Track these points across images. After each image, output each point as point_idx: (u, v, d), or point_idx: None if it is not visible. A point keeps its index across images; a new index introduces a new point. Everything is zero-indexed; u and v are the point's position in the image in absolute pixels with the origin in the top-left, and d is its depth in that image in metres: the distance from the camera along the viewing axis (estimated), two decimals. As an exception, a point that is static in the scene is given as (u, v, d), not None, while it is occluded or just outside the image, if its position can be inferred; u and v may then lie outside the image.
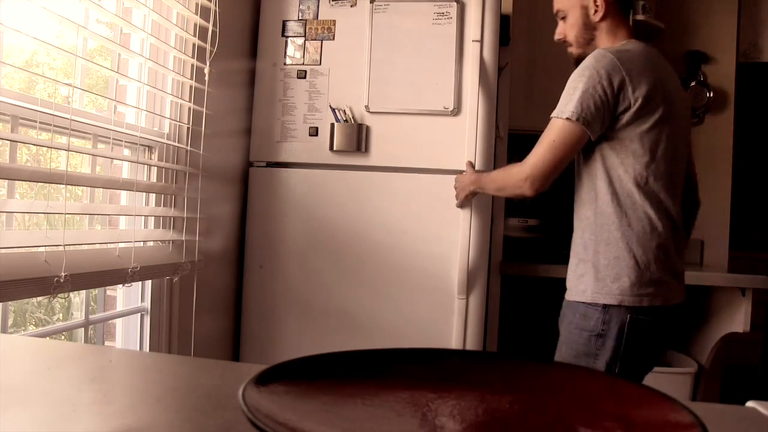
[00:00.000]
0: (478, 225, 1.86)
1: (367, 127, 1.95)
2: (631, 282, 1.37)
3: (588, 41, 1.49)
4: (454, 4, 1.91)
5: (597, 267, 1.41)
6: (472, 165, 1.79)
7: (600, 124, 1.37)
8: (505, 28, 2.02)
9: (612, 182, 1.40)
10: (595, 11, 1.46)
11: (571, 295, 1.47)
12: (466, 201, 1.80)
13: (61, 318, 1.62)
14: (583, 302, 1.42)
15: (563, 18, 1.53)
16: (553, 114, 1.41)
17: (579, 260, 1.46)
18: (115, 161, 1.62)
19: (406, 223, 1.92)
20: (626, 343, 1.36)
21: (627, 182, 1.38)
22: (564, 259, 1.55)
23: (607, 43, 1.46)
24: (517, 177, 1.45)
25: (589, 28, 1.48)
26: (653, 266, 1.38)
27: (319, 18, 2.01)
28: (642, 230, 1.38)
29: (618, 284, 1.38)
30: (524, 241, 2.37)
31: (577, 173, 1.50)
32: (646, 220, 1.38)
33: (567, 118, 1.37)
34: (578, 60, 1.48)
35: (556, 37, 1.57)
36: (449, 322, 1.86)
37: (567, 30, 1.52)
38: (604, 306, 1.38)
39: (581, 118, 1.35)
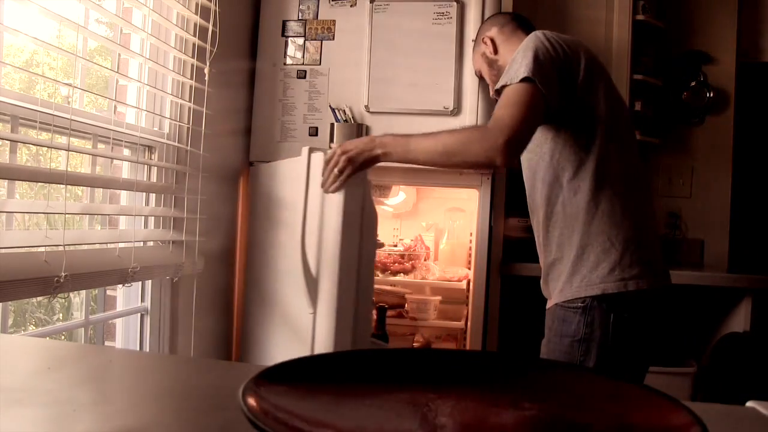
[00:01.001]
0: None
1: (367, 127, 1.95)
2: (611, 267, 1.24)
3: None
4: (454, 4, 1.91)
5: (573, 262, 1.28)
6: None
7: (557, 92, 1.24)
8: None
9: (577, 168, 1.28)
10: (492, 51, 1.50)
11: (549, 302, 1.35)
12: (356, 172, 1.34)
13: (61, 318, 1.62)
14: (561, 303, 1.29)
15: (483, 76, 1.57)
16: (503, 82, 1.26)
17: (554, 260, 1.33)
18: (115, 161, 1.62)
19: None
20: (614, 343, 1.23)
21: (591, 166, 1.27)
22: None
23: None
24: (489, 140, 1.20)
25: (496, 64, 1.50)
26: (632, 247, 1.26)
27: (319, 18, 2.01)
28: (613, 211, 1.26)
29: (596, 273, 1.24)
30: (524, 241, 2.36)
31: (530, 168, 1.37)
32: (617, 200, 1.27)
33: (523, 80, 1.22)
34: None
35: (492, 93, 1.46)
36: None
37: (490, 81, 1.53)
38: (584, 306, 1.24)
39: (537, 79, 1.21)
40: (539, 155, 1.34)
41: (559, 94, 1.25)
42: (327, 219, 1.44)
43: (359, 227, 1.43)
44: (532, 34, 1.32)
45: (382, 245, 2.08)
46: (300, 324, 1.58)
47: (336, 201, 1.40)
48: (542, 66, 1.23)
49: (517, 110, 1.21)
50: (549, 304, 1.35)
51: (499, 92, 1.29)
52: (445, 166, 1.35)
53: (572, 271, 1.28)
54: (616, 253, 1.25)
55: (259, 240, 1.99)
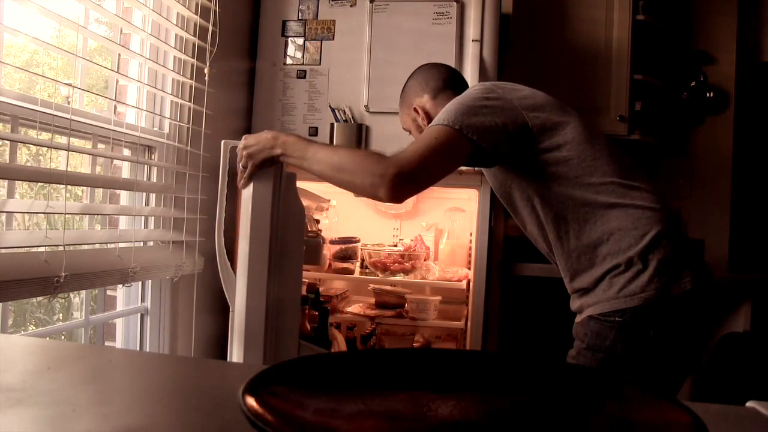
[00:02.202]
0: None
1: (367, 127, 1.95)
2: (651, 274, 1.17)
3: None
4: (454, 4, 1.91)
5: (604, 273, 1.21)
6: None
7: (493, 139, 1.18)
8: (505, 28, 2.03)
9: (583, 168, 1.22)
10: (424, 121, 1.43)
11: (581, 315, 1.27)
12: (256, 170, 1.29)
13: (61, 318, 1.62)
14: (595, 316, 1.21)
15: (410, 131, 1.52)
16: (433, 123, 1.21)
17: (575, 273, 1.27)
18: (115, 161, 1.62)
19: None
20: (651, 359, 1.16)
21: (602, 161, 1.24)
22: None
23: None
24: (380, 168, 1.12)
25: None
26: (663, 249, 1.19)
27: (319, 18, 2.01)
28: (639, 217, 1.20)
29: (635, 282, 1.17)
30: (524, 240, 2.36)
31: (534, 216, 1.30)
32: (634, 207, 1.22)
33: (445, 124, 1.16)
34: None
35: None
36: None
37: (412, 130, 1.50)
38: (621, 320, 1.17)
39: (461, 125, 1.15)
40: (527, 206, 1.29)
41: (498, 141, 1.19)
42: (242, 216, 1.40)
43: (271, 223, 1.40)
44: (472, 89, 1.28)
45: (319, 240, 2.05)
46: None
47: (244, 196, 1.38)
48: (471, 112, 1.17)
49: (423, 148, 1.14)
50: (580, 317, 1.27)
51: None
52: (335, 183, 1.24)
53: (607, 286, 1.20)
54: (654, 260, 1.18)
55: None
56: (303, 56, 2.02)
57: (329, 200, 2.27)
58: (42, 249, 1.20)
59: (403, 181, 1.12)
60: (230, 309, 1.47)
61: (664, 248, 1.19)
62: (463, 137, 1.15)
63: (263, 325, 1.40)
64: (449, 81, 1.44)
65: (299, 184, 1.42)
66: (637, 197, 1.23)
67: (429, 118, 1.41)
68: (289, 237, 1.46)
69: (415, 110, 1.45)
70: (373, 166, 1.14)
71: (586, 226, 1.23)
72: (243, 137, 1.29)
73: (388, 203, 1.10)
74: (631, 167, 1.32)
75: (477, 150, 1.17)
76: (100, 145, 1.46)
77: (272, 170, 1.31)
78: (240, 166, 1.28)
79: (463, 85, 1.44)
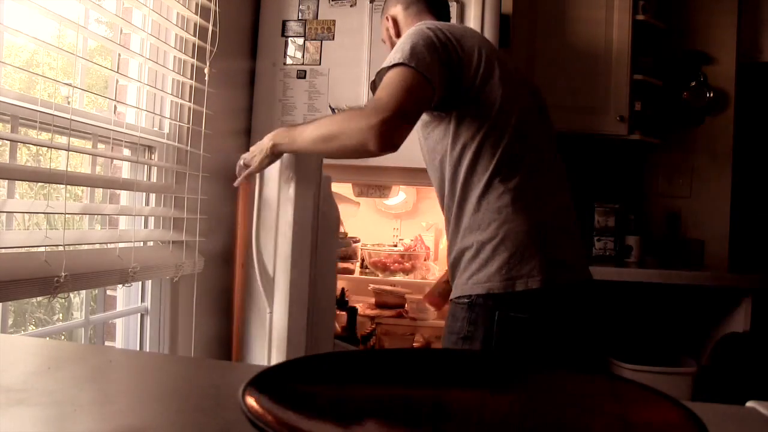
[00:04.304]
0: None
1: (367, 127, 1.95)
2: (500, 265, 1.16)
3: None
4: (454, 4, 1.91)
5: (465, 257, 1.22)
6: None
7: (440, 79, 1.16)
8: (505, 28, 2.03)
9: (467, 161, 1.21)
10: (394, 32, 1.44)
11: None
12: (259, 168, 1.42)
13: (61, 318, 1.62)
14: (453, 299, 1.23)
15: (385, 42, 1.51)
16: (383, 65, 1.20)
17: (452, 256, 1.27)
18: (115, 161, 1.62)
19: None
20: (499, 343, 1.15)
21: (481, 158, 1.20)
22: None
23: None
24: (363, 119, 1.11)
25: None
26: (526, 243, 1.17)
27: (319, 18, 2.01)
28: (505, 206, 1.18)
29: (485, 270, 1.17)
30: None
31: (434, 162, 1.30)
32: (510, 194, 1.19)
33: (396, 63, 1.15)
34: None
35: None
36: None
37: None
38: (470, 303, 1.18)
39: (419, 66, 1.13)
40: (443, 149, 1.27)
41: (444, 81, 1.17)
42: (281, 218, 1.44)
43: (312, 226, 1.42)
44: (417, 26, 1.25)
45: (350, 242, 2.07)
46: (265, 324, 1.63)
47: (288, 200, 1.40)
48: (423, 53, 1.15)
49: (396, 90, 1.12)
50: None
51: (375, 84, 1.22)
52: (330, 155, 1.26)
53: (464, 268, 1.21)
54: (506, 251, 1.16)
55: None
56: (303, 56, 2.02)
57: (358, 203, 2.27)
58: (42, 249, 1.20)
59: (390, 126, 1.10)
60: (268, 311, 1.48)
61: (517, 243, 1.17)
62: (420, 74, 1.13)
63: (305, 327, 1.42)
64: None
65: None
66: (513, 188, 1.20)
67: (397, 28, 1.42)
68: (326, 239, 1.47)
69: (387, 19, 1.45)
70: (356, 123, 1.12)
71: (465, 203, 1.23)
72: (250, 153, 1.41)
73: (385, 153, 1.11)
74: (537, 157, 1.26)
75: (432, 88, 1.15)
76: (100, 145, 1.46)
77: (315, 175, 1.34)
78: (238, 167, 1.39)
79: (440, 6, 1.43)
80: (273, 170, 1.50)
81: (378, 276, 2.21)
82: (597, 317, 1.27)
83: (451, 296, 1.25)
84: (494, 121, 1.21)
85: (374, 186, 2.18)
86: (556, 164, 1.30)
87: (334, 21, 2.00)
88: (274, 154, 1.33)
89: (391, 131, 1.10)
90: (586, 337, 1.25)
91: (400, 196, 2.44)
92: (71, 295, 1.53)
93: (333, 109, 1.96)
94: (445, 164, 1.26)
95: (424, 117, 1.29)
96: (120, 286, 1.46)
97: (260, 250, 1.49)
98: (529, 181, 1.21)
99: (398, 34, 1.41)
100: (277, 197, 1.50)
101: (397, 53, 1.17)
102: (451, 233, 1.27)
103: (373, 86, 1.24)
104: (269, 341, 1.48)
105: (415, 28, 1.24)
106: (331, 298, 1.53)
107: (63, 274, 1.18)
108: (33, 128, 1.21)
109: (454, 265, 1.26)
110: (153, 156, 1.67)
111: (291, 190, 1.36)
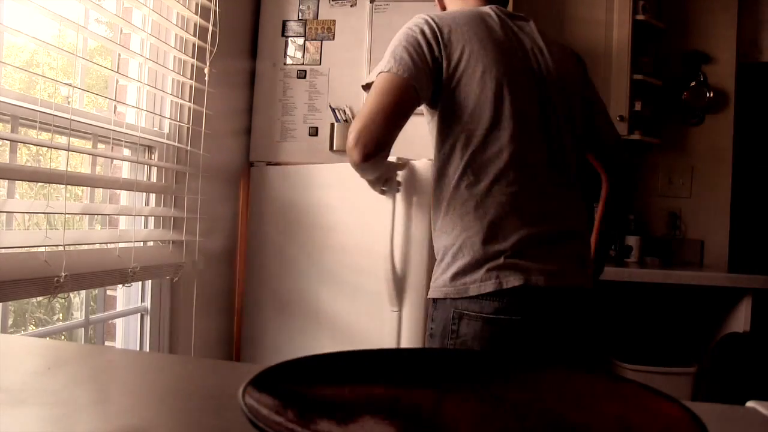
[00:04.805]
0: (405, 215, 1.85)
1: (367, 127, 1.95)
2: (455, 272, 1.16)
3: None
4: (454, 4, 1.91)
5: (437, 260, 1.22)
6: None
7: (416, 68, 1.16)
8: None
9: (440, 162, 1.21)
10: (439, 6, 1.42)
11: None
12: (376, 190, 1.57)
13: (61, 318, 1.62)
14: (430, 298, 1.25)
15: None
16: (374, 72, 1.22)
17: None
18: (115, 161, 1.62)
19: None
20: (460, 343, 1.14)
21: (452, 160, 1.19)
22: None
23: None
24: (347, 142, 1.16)
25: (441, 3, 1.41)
26: (493, 246, 1.14)
27: (319, 18, 2.01)
28: (472, 208, 1.16)
29: (446, 274, 1.17)
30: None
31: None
32: (473, 201, 1.17)
33: (381, 72, 1.17)
34: None
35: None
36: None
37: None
38: (434, 302, 1.20)
39: (398, 69, 1.15)
40: (433, 145, 1.26)
41: (428, 79, 1.18)
42: (415, 227, 1.69)
43: None
44: (409, 23, 1.25)
45: None
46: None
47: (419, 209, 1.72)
48: (403, 56, 1.16)
49: (371, 103, 1.15)
50: None
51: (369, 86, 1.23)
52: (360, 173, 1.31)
53: (435, 269, 1.22)
54: (462, 258, 1.15)
55: (271, 242, 2.00)
56: (303, 56, 2.02)
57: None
58: (42, 249, 1.20)
59: (364, 139, 1.13)
60: (394, 310, 1.72)
61: (473, 252, 1.15)
62: (400, 77, 1.15)
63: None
64: None
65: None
66: (477, 194, 1.17)
67: (442, 4, 1.41)
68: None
69: None
70: (346, 144, 1.17)
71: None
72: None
73: (369, 161, 1.16)
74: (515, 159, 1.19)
75: (416, 92, 1.18)
76: (100, 145, 1.46)
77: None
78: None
79: None
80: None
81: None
82: (585, 323, 1.23)
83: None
84: (467, 122, 1.18)
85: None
86: (556, 167, 1.24)
87: (334, 21, 2.00)
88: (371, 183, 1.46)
89: (365, 144, 1.13)
90: (567, 341, 1.20)
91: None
92: (71, 295, 1.53)
93: (333, 110, 1.96)
94: (434, 161, 1.26)
95: (425, 110, 1.28)
96: (120, 286, 1.46)
97: (393, 254, 1.73)
98: (499, 186, 1.16)
99: (443, 8, 1.42)
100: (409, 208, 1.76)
101: (384, 58, 1.19)
102: (433, 233, 1.28)
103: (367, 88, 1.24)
104: (398, 339, 1.73)
105: (405, 27, 1.24)
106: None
107: (63, 274, 1.18)
108: (33, 128, 1.21)
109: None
110: (153, 156, 1.67)
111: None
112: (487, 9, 1.28)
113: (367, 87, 1.23)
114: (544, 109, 1.23)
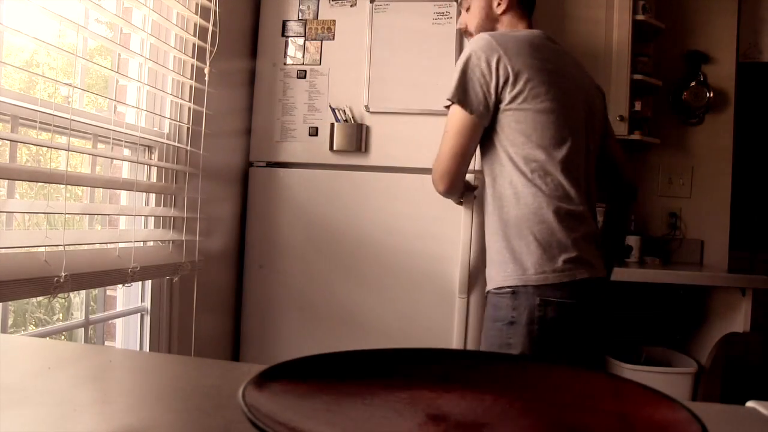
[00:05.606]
0: (478, 223, 1.86)
1: (367, 127, 1.95)
2: (533, 261, 1.32)
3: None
4: (454, 4, 1.91)
5: (500, 252, 1.38)
6: None
7: (484, 105, 1.36)
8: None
9: (506, 163, 1.37)
10: (498, 4, 1.48)
11: (487, 287, 1.45)
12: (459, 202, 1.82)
13: (61, 318, 1.62)
14: (493, 290, 1.39)
15: (467, 9, 1.54)
16: (446, 97, 1.41)
17: (487, 248, 1.44)
18: (115, 161, 1.62)
19: (405, 223, 1.92)
20: (540, 328, 1.31)
21: (519, 163, 1.35)
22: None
23: None
24: (432, 178, 1.46)
25: (490, 20, 1.49)
26: (555, 243, 1.33)
27: (319, 18, 2.01)
28: (536, 207, 1.34)
29: (519, 265, 1.34)
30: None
31: (482, 159, 1.47)
32: (539, 196, 1.34)
33: (449, 104, 1.39)
34: None
35: (458, 26, 1.62)
36: (450, 321, 1.86)
37: (468, 19, 1.53)
38: (513, 291, 1.34)
39: (471, 108, 1.35)
40: (484, 142, 1.43)
41: (488, 105, 1.36)
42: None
43: None
44: (472, 41, 1.41)
45: None
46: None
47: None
48: (466, 86, 1.35)
49: (446, 140, 1.41)
50: (486, 289, 1.45)
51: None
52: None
53: (499, 261, 1.38)
54: (540, 250, 1.33)
55: (272, 241, 2.00)
56: (303, 56, 2.02)
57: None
58: (42, 249, 1.20)
59: (445, 179, 1.43)
60: (461, 297, 1.84)
61: (552, 242, 1.34)
62: (460, 109, 1.37)
63: None
64: None
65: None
66: (548, 186, 1.36)
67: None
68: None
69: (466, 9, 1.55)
70: (433, 179, 1.47)
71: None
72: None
73: (452, 191, 1.51)
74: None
75: (481, 122, 1.38)
76: (100, 145, 1.46)
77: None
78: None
79: (532, 5, 1.52)
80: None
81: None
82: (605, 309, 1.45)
83: (489, 287, 1.42)
84: (536, 136, 1.36)
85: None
86: (590, 178, 1.45)
87: (334, 21, 2.00)
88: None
89: (447, 182, 1.43)
90: (598, 324, 1.43)
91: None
92: (71, 295, 1.53)
93: (333, 109, 1.96)
94: (494, 168, 1.44)
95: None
96: (120, 286, 1.46)
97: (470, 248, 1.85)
98: (561, 191, 1.36)
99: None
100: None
101: (456, 82, 1.37)
102: (493, 224, 1.44)
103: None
104: (465, 325, 1.84)
105: (473, 50, 1.37)
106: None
107: (63, 274, 1.18)
108: (33, 128, 1.21)
109: (489, 253, 1.46)
110: (153, 156, 1.67)
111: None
112: (537, 33, 1.44)
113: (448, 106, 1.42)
114: (585, 125, 1.44)
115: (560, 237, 1.33)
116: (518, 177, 1.35)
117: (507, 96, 1.35)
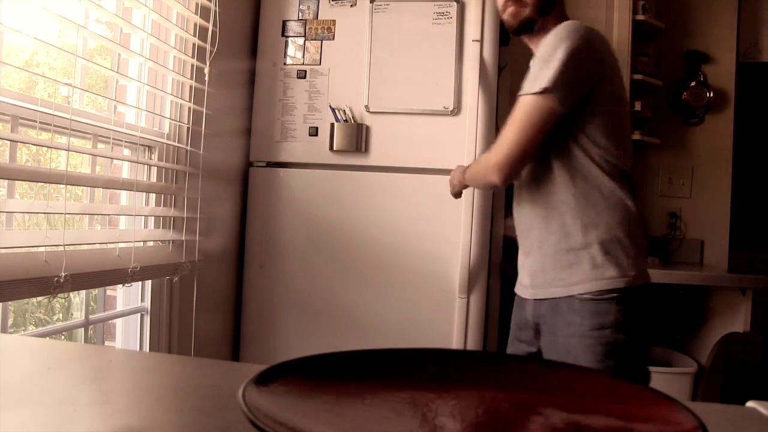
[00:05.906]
0: (478, 224, 1.86)
1: (367, 127, 1.95)
2: (633, 261, 1.30)
3: (548, 9, 1.39)
4: (454, 4, 1.91)
5: (592, 253, 1.30)
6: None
7: (575, 97, 1.27)
8: (505, 28, 2.02)
9: (590, 162, 1.31)
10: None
11: (558, 292, 1.33)
12: (459, 194, 1.67)
13: (61, 318, 1.62)
14: (589, 296, 1.29)
15: None
16: (522, 91, 1.31)
17: (558, 250, 1.34)
18: (115, 161, 1.62)
19: (405, 222, 1.92)
20: (642, 329, 1.33)
21: (601, 162, 1.31)
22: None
23: (561, 19, 1.36)
24: (486, 166, 1.34)
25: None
26: (639, 244, 1.33)
27: (319, 18, 2.01)
28: (625, 209, 1.32)
29: (623, 264, 1.29)
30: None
31: (543, 155, 1.36)
32: (626, 199, 1.32)
33: (540, 92, 1.25)
34: (517, 29, 1.41)
35: None
36: (450, 321, 1.86)
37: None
38: (617, 294, 1.28)
39: (556, 90, 1.24)
40: (558, 136, 1.33)
41: (577, 98, 1.28)
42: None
43: None
44: (567, 28, 1.28)
45: None
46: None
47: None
48: (566, 75, 1.24)
49: (517, 130, 1.29)
50: (560, 294, 1.33)
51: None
52: (480, 188, 1.64)
53: (594, 263, 1.30)
54: (635, 250, 1.31)
55: (272, 241, 2.00)
56: (303, 56, 2.02)
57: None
58: (42, 249, 1.20)
59: (505, 167, 1.30)
60: (461, 297, 1.85)
61: (639, 242, 1.34)
62: (552, 100, 1.26)
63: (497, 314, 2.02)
64: None
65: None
66: (624, 186, 1.35)
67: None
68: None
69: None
70: (483, 169, 1.38)
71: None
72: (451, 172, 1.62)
73: (509, 183, 1.41)
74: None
75: (561, 112, 1.29)
76: (100, 145, 1.46)
77: (488, 194, 1.86)
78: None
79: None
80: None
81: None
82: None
83: (579, 291, 1.32)
84: (615, 136, 1.34)
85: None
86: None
87: (334, 21, 2.00)
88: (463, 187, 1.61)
89: (507, 171, 1.31)
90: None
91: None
92: (71, 295, 1.53)
93: (333, 109, 1.96)
94: (567, 164, 1.41)
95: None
96: (120, 286, 1.46)
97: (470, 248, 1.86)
98: (627, 185, 1.36)
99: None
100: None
101: (546, 72, 1.25)
102: (576, 225, 1.38)
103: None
104: (465, 326, 1.84)
105: (571, 36, 1.27)
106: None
107: (63, 274, 1.18)
108: (33, 128, 1.21)
109: (571, 255, 1.38)
110: (153, 156, 1.67)
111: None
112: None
113: (542, 91, 1.27)
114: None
115: (643, 240, 1.34)
116: (604, 178, 1.31)
117: (598, 95, 1.30)
